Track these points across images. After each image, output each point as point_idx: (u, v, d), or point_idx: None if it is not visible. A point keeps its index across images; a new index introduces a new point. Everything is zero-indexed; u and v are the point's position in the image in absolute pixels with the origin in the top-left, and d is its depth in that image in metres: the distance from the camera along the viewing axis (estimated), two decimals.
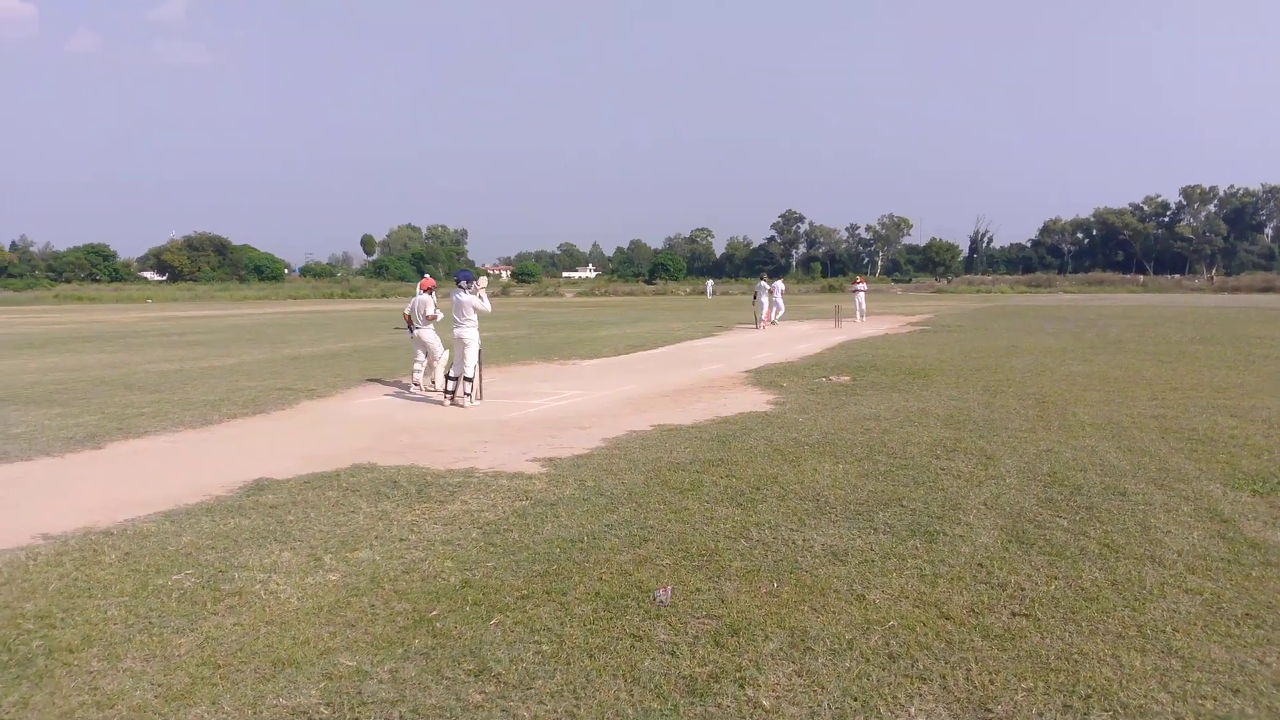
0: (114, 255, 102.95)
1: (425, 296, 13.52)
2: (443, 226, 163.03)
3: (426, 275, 14.62)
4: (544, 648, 4.24)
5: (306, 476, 7.83)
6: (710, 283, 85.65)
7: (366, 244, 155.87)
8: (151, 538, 6.03)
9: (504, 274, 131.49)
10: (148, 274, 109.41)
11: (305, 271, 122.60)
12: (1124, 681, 3.85)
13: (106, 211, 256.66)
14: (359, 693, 3.82)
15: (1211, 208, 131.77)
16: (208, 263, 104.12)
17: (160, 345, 23.18)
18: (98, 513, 6.69)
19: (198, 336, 26.61)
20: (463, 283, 12.31)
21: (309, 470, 8.09)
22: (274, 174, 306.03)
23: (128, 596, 4.94)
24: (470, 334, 11.96)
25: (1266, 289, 70.45)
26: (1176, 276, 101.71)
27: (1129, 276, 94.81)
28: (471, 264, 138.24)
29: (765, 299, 30.47)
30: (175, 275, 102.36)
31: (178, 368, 17.12)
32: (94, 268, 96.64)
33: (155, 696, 3.81)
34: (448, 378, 12.34)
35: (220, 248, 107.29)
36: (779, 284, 33.56)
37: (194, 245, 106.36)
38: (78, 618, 4.65)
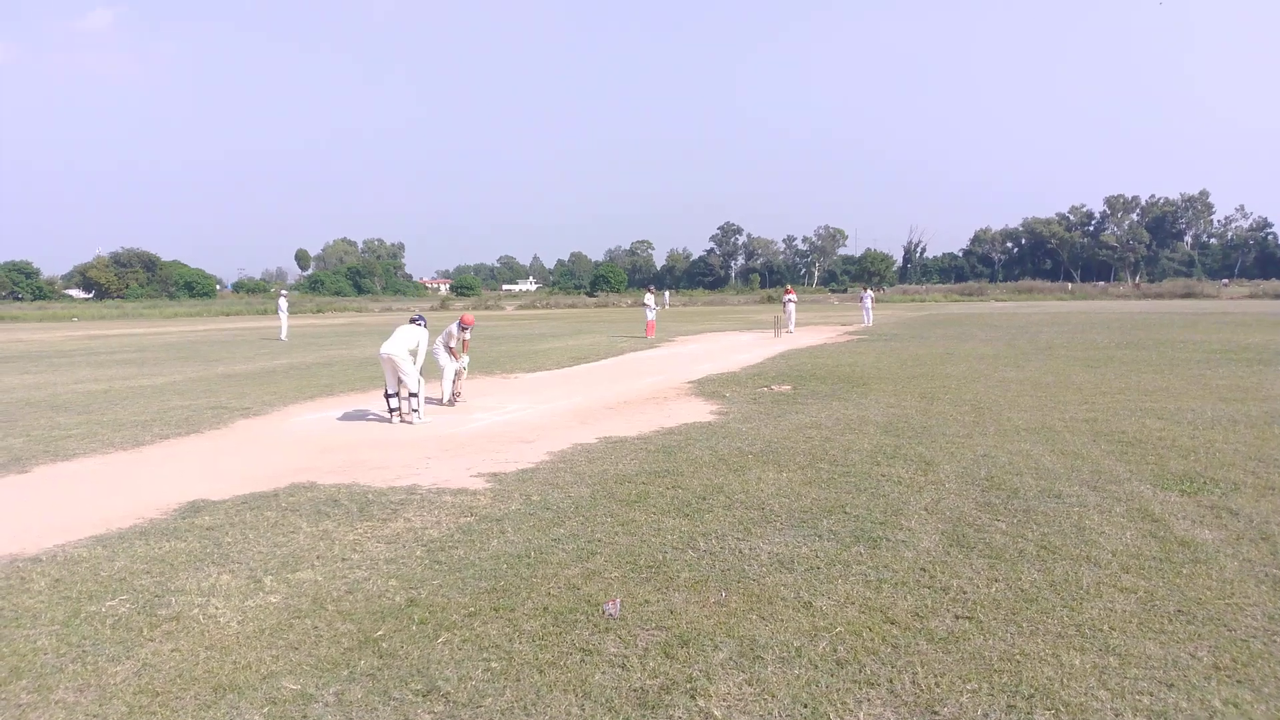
0: (37, 273, 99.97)
1: (455, 328, 13.72)
2: (379, 240, 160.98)
3: (469, 314, 14.57)
4: (493, 665, 4.20)
5: (244, 497, 7.66)
6: (666, 293, 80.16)
7: (301, 259, 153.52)
8: (83, 563, 5.84)
9: (442, 288, 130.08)
10: (73, 292, 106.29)
11: (238, 288, 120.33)
12: (1065, 680, 3.95)
13: (29, 228, 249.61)
14: (304, 716, 3.74)
15: (1134, 217, 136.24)
16: (136, 279, 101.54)
17: (88, 365, 22.44)
18: (24, 539, 6.46)
19: (127, 355, 25.84)
20: (419, 323, 12.43)
21: (246, 490, 7.92)
22: (204, 189, 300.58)
23: (59, 625, 4.77)
24: (411, 351, 11.89)
25: (1187, 294, 72.72)
26: (1102, 284, 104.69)
27: (1057, 284, 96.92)
28: (409, 278, 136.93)
29: (653, 310, 31.51)
30: (102, 293, 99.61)
31: (106, 388, 16.60)
32: (16, 285, 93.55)
33: None
34: (388, 396, 12.18)
35: (149, 264, 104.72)
36: (870, 293, 37.15)
37: (121, 262, 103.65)
38: (5, 649, 4.48)
